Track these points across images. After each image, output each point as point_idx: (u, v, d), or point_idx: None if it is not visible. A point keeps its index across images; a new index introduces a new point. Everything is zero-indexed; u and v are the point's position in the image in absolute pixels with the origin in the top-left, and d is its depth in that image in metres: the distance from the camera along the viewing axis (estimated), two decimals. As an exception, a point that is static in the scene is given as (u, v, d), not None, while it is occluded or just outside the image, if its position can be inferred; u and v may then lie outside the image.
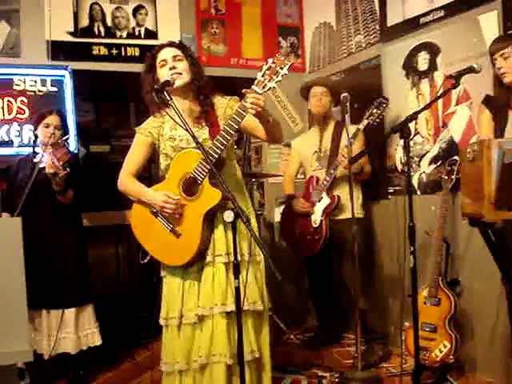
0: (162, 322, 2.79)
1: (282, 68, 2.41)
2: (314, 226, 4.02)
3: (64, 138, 3.47)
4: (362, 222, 4.03)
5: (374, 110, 3.84)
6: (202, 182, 2.60)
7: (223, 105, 2.83)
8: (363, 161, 3.94)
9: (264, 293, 2.81)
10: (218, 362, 2.63)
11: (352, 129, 3.82)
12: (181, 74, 2.72)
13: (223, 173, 2.65)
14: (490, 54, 2.92)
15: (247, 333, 2.65)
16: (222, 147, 2.54)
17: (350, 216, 3.65)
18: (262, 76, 2.45)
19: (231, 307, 2.62)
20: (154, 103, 2.73)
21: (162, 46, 2.81)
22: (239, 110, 2.50)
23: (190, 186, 2.65)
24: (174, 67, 2.72)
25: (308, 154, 4.26)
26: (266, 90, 2.45)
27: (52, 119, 3.49)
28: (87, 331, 3.54)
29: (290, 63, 2.42)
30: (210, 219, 2.69)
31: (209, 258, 2.69)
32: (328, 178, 3.97)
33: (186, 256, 2.66)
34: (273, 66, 2.42)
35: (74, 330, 3.46)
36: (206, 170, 2.57)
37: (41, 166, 3.28)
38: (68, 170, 3.25)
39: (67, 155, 3.41)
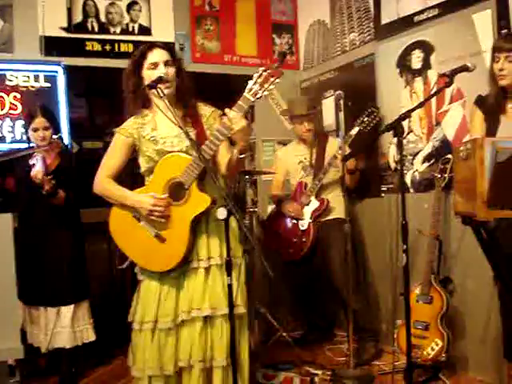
0: (136, 325, 2.72)
1: (273, 76, 2.40)
2: (302, 228, 4.03)
3: (55, 137, 3.46)
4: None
5: (366, 118, 3.92)
6: (189, 186, 2.55)
7: (206, 112, 2.79)
8: (353, 163, 3.93)
9: (244, 295, 2.75)
10: (193, 367, 2.61)
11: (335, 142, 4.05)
12: (170, 82, 2.67)
13: (207, 181, 2.61)
14: (494, 50, 2.79)
15: (223, 337, 2.62)
16: (211, 152, 2.51)
17: (338, 216, 3.94)
18: (254, 84, 2.42)
19: (207, 312, 2.61)
20: (135, 103, 2.71)
21: (153, 46, 2.71)
22: (222, 128, 2.47)
23: (177, 191, 2.60)
24: (167, 74, 2.64)
25: (294, 164, 4.25)
26: (257, 97, 2.43)
27: (38, 122, 3.44)
28: (82, 327, 3.54)
29: (281, 71, 2.43)
30: (196, 224, 2.65)
31: (194, 264, 2.66)
32: (317, 182, 4.01)
33: (172, 261, 2.61)
34: (264, 74, 2.41)
35: (70, 325, 3.46)
36: (194, 175, 2.53)
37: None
38: (53, 182, 3.24)
39: (58, 158, 3.42)
